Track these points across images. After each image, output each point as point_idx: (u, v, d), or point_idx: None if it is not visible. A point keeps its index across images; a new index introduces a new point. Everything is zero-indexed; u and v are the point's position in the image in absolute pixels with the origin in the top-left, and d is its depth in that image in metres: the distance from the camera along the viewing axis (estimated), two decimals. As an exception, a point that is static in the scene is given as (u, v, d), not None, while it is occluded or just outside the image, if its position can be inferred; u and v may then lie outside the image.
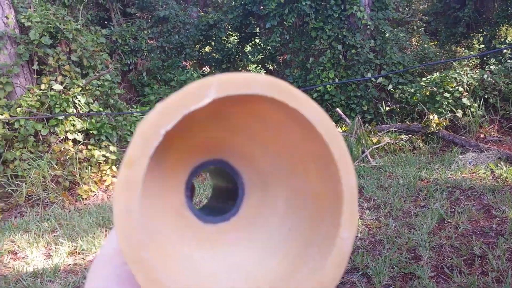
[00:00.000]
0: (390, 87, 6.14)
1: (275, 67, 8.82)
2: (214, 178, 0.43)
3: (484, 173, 3.76)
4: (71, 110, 4.83)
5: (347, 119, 5.52)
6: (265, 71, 9.11)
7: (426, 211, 3.11)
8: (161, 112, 0.27)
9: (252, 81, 0.28)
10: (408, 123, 5.32)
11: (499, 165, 3.84)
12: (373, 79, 6.12)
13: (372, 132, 5.19)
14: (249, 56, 8.44)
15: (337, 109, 5.80)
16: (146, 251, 0.26)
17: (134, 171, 0.26)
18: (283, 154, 0.35)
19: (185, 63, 8.29)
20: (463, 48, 7.32)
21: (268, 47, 8.13)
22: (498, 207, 3.01)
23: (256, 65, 9.10)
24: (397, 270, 2.37)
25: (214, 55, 8.63)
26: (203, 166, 0.35)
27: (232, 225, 0.35)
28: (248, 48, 8.67)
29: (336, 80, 6.37)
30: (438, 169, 4.04)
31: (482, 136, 4.84)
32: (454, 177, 3.76)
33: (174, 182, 0.34)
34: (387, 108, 6.00)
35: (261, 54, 8.56)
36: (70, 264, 2.91)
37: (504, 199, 3.12)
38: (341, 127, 5.85)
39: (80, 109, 4.94)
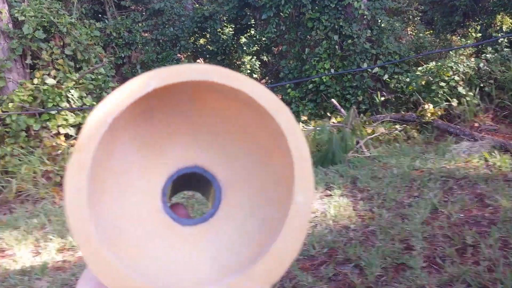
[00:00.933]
0: (385, 77, 6.11)
1: (270, 58, 8.79)
2: (195, 189, 0.44)
3: (478, 162, 3.75)
4: (64, 104, 4.80)
5: (342, 110, 5.50)
6: (260, 63, 9.08)
7: (420, 201, 3.10)
8: (108, 103, 0.29)
9: (189, 69, 0.30)
10: (403, 113, 5.31)
11: (493, 154, 3.83)
12: (369, 69, 6.09)
13: (367, 123, 5.18)
14: (244, 48, 8.40)
15: (333, 100, 5.79)
16: (93, 225, 0.28)
17: (83, 155, 0.29)
18: (249, 142, 0.36)
19: (179, 55, 8.25)
20: (459, 37, 7.28)
21: (264, 39, 8.09)
22: (491, 196, 3.00)
23: (251, 56, 9.05)
24: (390, 260, 2.37)
25: (209, 47, 8.59)
26: (178, 173, 0.37)
27: (210, 225, 0.36)
28: (243, 39, 8.62)
29: (332, 70, 6.34)
30: (432, 158, 4.03)
31: (476, 125, 4.83)
32: (448, 167, 3.75)
33: (151, 189, 0.36)
34: (382, 98, 5.98)
35: (256, 45, 8.52)
36: (59, 261, 2.89)
37: (497, 188, 3.11)
38: (336, 118, 5.84)
39: (73, 103, 4.91)
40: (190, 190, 0.44)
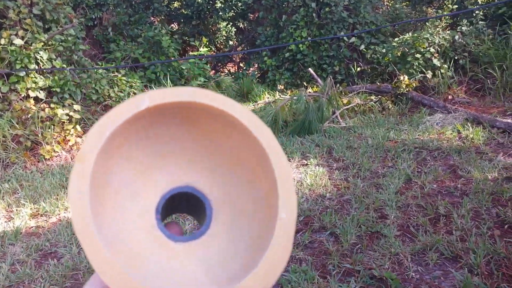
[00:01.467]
0: (362, 47, 6.08)
1: (246, 25, 8.62)
2: (186, 209, 0.46)
3: (451, 134, 3.80)
4: (33, 66, 4.59)
5: (319, 80, 5.47)
6: (236, 29, 8.89)
7: (394, 171, 3.14)
8: (105, 119, 0.32)
9: (179, 91, 0.33)
10: (378, 84, 5.32)
11: (465, 126, 3.89)
12: (345, 38, 6.04)
13: (343, 93, 5.17)
14: (220, 13, 8.19)
15: (309, 69, 5.74)
16: (95, 228, 0.30)
17: (85, 164, 0.31)
18: (239, 168, 0.38)
19: (153, 18, 7.98)
20: (435, 9, 7.28)
21: (240, 4, 7.90)
22: (464, 167, 3.06)
23: (227, 22, 8.85)
24: (364, 229, 2.40)
25: (183, 11, 8.33)
26: (171, 192, 0.39)
27: (201, 242, 0.38)
28: (218, 4, 8.40)
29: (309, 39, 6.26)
30: (406, 130, 4.07)
31: (450, 97, 4.89)
32: (422, 138, 3.79)
33: (145, 207, 0.38)
34: (359, 69, 5.97)
35: (232, 11, 8.32)
36: (32, 227, 2.82)
37: (470, 159, 3.17)
38: (312, 88, 5.81)
39: (42, 65, 4.71)
40: (183, 213, 0.45)
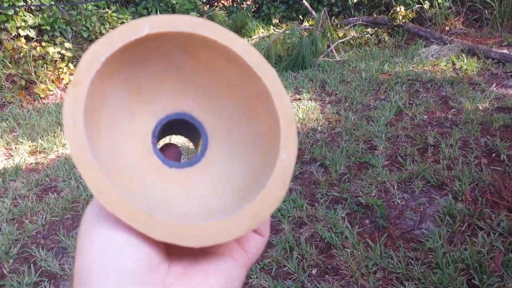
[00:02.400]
0: (359, -23, 5.88)
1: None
2: (184, 134, 0.46)
3: (445, 65, 3.77)
4: (21, 4, 4.47)
5: (314, 12, 5.34)
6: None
7: (386, 103, 3.15)
8: (103, 42, 0.31)
9: (182, 20, 0.33)
10: (375, 15, 5.19)
11: (460, 57, 3.85)
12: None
13: (339, 26, 5.06)
14: None
15: (304, 1, 5.57)
16: (91, 153, 0.30)
17: (78, 90, 0.31)
18: (237, 98, 0.38)
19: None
20: None
21: None
22: (456, 98, 3.07)
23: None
24: (353, 160, 2.45)
25: None
26: (167, 118, 0.38)
27: (196, 169, 0.38)
28: None
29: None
30: (400, 62, 4.03)
31: (447, 28, 4.79)
32: (416, 70, 3.77)
33: (141, 131, 0.38)
34: (355, 0, 5.81)
35: None
36: (32, 163, 2.88)
37: (462, 90, 3.17)
38: (308, 21, 5.68)
39: (30, 3, 4.58)
40: (179, 135, 0.45)
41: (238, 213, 0.32)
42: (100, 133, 0.34)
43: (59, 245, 2.05)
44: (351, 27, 5.04)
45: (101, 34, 5.24)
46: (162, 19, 0.32)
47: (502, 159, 2.25)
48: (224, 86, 0.38)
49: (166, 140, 2.54)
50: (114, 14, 5.47)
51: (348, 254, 1.76)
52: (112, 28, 5.32)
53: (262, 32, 5.47)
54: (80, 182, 2.54)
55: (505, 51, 3.84)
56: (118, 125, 0.36)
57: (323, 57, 4.42)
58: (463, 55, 3.87)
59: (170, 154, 0.41)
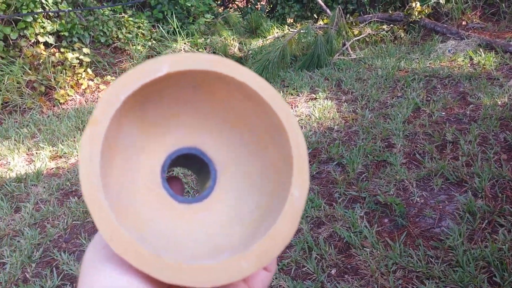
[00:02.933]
0: (373, -26, 5.83)
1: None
2: (191, 167, 0.47)
3: (463, 60, 3.73)
4: (39, 10, 4.57)
5: (328, 10, 5.32)
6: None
7: (403, 101, 3.12)
8: (121, 82, 0.32)
9: (200, 58, 0.33)
10: (390, 12, 5.15)
11: (478, 52, 3.80)
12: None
13: (354, 24, 5.04)
14: None
15: (318, 0, 5.56)
16: (104, 194, 0.30)
17: (97, 128, 0.31)
18: (246, 132, 0.38)
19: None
20: None
21: None
22: (474, 94, 3.03)
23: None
24: (371, 158, 2.44)
25: None
26: (177, 152, 0.39)
27: (205, 205, 0.38)
28: None
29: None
30: (417, 58, 3.99)
31: (464, 23, 4.73)
32: (433, 66, 3.73)
33: (151, 166, 0.38)
34: (370, -3, 5.76)
35: None
36: (52, 168, 2.94)
37: (480, 85, 3.13)
38: (322, 20, 5.67)
39: (48, 9, 4.67)
40: (186, 168, 0.46)
41: (247, 252, 0.32)
42: (112, 169, 0.34)
43: (81, 249, 2.09)
44: (366, 24, 5.01)
45: (118, 38, 5.31)
46: (180, 57, 0.33)
47: (522, 154, 2.22)
48: (237, 120, 0.38)
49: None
50: (131, 19, 5.54)
51: (367, 254, 1.75)
52: (129, 33, 5.39)
53: (277, 32, 5.47)
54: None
55: (524, 44, 3.77)
56: (130, 161, 0.37)
57: (338, 56, 4.41)
58: (481, 50, 3.81)
59: (173, 188, 0.41)
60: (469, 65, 3.63)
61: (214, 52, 5.18)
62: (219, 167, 0.39)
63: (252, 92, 0.34)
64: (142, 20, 5.69)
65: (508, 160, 2.21)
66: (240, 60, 4.96)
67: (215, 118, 0.39)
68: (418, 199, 2.06)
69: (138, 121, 0.37)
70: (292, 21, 6.20)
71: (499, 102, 2.82)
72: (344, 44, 4.57)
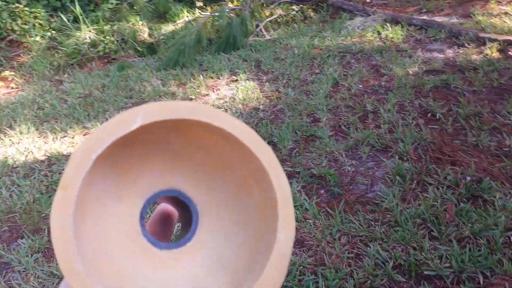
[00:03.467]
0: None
1: None
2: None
3: (372, 35, 3.91)
4: None
5: (237, -7, 5.30)
6: None
7: (322, 77, 3.20)
8: (92, 139, 0.30)
9: (174, 107, 0.32)
10: (298, -7, 5.25)
11: (385, 26, 4.00)
12: None
13: (265, 5, 5.07)
14: None
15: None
16: (81, 263, 0.29)
17: (68, 193, 0.29)
18: (228, 176, 0.37)
19: None
20: None
21: None
22: (386, 66, 3.19)
23: None
24: (300, 134, 2.48)
25: None
26: (156, 196, 0.37)
27: (187, 249, 0.37)
28: None
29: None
30: (329, 36, 4.12)
31: (368, 0, 4.96)
32: (345, 43, 3.87)
33: (129, 213, 0.36)
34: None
35: None
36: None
37: (391, 58, 3.30)
38: (233, 2, 5.64)
39: None
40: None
41: None
42: (87, 226, 0.33)
43: (1, 261, 1.89)
44: (276, 5, 5.06)
45: (14, 30, 4.87)
46: (154, 108, 0.31)
47: (437, 117, 2.38)
48: (217, 163, 0.37)
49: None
50: (26, 8, 5.09)
51: (311, 225, 1.78)
52: (25, 24, 4.96)
53: (187, 16, 5.35)
54: (13, 191, 2.35)
55: (425, 17, 4.04)
56: (105, 212, 0.35)
57: (253, 37, 4.41)
58: (387, 24, 4.02)
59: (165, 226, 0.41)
60: (378, 39, 3.81)
61: (123, 39, 4.95)
62: (200, 209, 0.38)
63: (230, 137, 0.33)
64: (39, 9, 5.26)
65: (426, 124, 2.35)
66: (151, 46, 4.78)
67: (192, 160, 0.38)
68: (349, 168, 2.13)
69: (111, 170, 0.35)
70: (201, 4, 6.09)
71: (411, 72, 3.00)
72: (257, 26, 4.58)
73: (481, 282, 1.40)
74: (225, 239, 0.37)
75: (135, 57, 4.73)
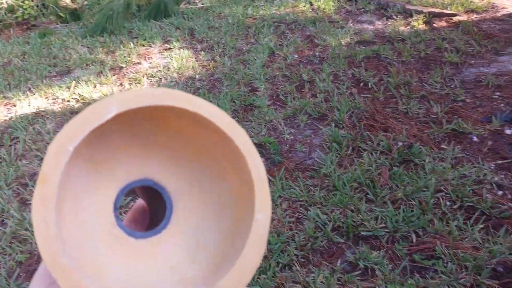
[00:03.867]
0: None
1: None
2: (145, 199, 0.45)
3: (304, 6, 3.94)
4: None
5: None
6: None
7: (257, 46, 3.20)
8: (68, 130, 0.30)
9: (149, 94, 0.31)
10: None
11: (315, -3, 4.05)
12: None
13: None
14: None
15: None
16: (65, 257, 0.28)
17: (48, 186, 0.29)
18: (202, 161, 0.37)
19: None
20: None
21: None
22: (320, 36, 3.24)
23: None
24: (238, 103, 2.47)
25: None
26: (129, 186, 0.37)
27: (164, 237, 0.36)
28: None
29: None
30: (262, 6, 4.10)
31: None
32: (278, 12, 3.88)
33: (103, 205, 0.36)
34: None
35: None
36: None
37: (324, 29, 3.36)
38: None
39: None
40: (144, 200, 0.44)
41: (218, 284, 0.31)
42: (65, 221, 0.32)
43: None
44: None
45: None
46: (128, 96, 0.31)
47: (370, 86, 2.48)
48: (191, 148, 0.37)
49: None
50: None
51: (253, 192, 1.80)
52: None
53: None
54: None
55: (355, -11, 4.14)
56: (81, 205, 0.35)
57: (184, 4, 4.29)
58: (317, -5, 4.07)
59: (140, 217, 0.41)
60: (310, 10, 3.86)
61: (43, 5, 4.61)
62: (174, 195, 0.38)
63: (205, 121, 0.33)
64: None
65: (359, 93, 2.44)
66: (75, 12, 4.51)
67: (167, 147, 0.37)
68: (288, 136, 2.17)
69: (87, 162, 0.35)
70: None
71: (343, 42, 3.08)
72: (189, -7, 4.46)
73: (414, 240, 1.51)
74: (201, 224, 0.37)
75: (57, 24, 4.45)
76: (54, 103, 2.77)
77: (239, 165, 0.34)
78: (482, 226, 1.50)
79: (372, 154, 1.93)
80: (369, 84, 2.49)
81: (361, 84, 2.53)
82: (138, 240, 0.36)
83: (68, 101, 2.76)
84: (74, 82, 2.94)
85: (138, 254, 0.35)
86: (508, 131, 1.97)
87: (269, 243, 1.57)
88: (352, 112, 2.26)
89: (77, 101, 2.75)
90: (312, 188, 1.80)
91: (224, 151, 0.35)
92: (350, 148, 2.00)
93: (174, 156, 0.38)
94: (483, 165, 1.79)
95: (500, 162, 1.81)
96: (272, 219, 1.67)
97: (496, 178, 1.70)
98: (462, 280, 1.33)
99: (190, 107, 0.32)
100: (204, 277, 0.33)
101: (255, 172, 0.33)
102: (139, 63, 3.18)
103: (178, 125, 0.35)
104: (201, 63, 3.05)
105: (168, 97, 0.32)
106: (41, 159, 2.20)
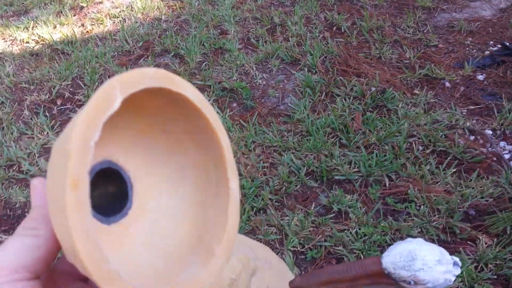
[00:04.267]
0: None
1: None
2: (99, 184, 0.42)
3: None
4: None
5: None
6: None
7: (226, -13, 3.06)
8: (85, 126, 0.27)
9: (145, 76, 0.30)
10: None
11: None
12: None
13: None
14: None
15: None
16: (109, 261, 0.27)
17: (81, 191, 0.25)
18: (161, 139, 0.37)
19: None
20: None
21: None
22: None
23: None
24: (208, 46, 2.38)
25: None
26: (92, 171, 0.35)
27: (132, 218, 0.36)
28: None
29: None
30: None
31: None
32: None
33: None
34: None
35: None
36: None
37: (296, -31, 3.23)
38: None
39: None
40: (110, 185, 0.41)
41: (216, 252, 0.33)
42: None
43: None
44: None
45: None
46: (129, 78, 0.29)
47: (342, 31, 2.43)
48: (154, 127, 0.37)
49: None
50: None
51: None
52: None
53: None
54: None
55: None
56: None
57: None
58: None
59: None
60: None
61: None
62: (133, 174, 0.37)
63: (178, 96, 0.33)
64: None
65: (332, 37, 2.39)
66: None
67: (130, 128, 0.37)
68: (260, 81, 2.12)
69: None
70: None
71: (315, -16, 2.98)
72: None
73: (387, 184, 1.53)
74: (168, 199, 0.38)
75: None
76: (12, 44, 2.60)
77: (210, 139, 0.35)
78: (454, 170, 1.54)
79: (345, 99, 1.91)
80: (342, 28, 2.44)
81: (334, 28, 2.47)
82: (111, 225, 0.35)
83: (27, 42, 2.59)
84: (32, 22, 2.76)
85: (117, 240, 0.34)
86: (480, 77, 1.99)
87: (243, 187, 1.56)
88: (325, 57, 2.22)
89: (37, 42, 2.59)
90: (285, 134, 1.78)
91: (196, 126, 0.35)
92: (324, 93, 1.98)
93: (134, 135, 0.37)
94: (455, 110, 1.81)
95: (472, 107, 1.83)
96: (246, 165, 1.65)
97: (468, 123, 1.73)
98: (435, 222, 1.36)
99: (166, 84, 0.31)
100: (193, 245, 0.35)
101: (225, 145, 0.35)
102: (100, 2, 2.99)
103: (147, 103, 0.34)
104: (167, 3, 2.90)
105: (161, 80, 0.31)
106: (2, 102, 2.08)
